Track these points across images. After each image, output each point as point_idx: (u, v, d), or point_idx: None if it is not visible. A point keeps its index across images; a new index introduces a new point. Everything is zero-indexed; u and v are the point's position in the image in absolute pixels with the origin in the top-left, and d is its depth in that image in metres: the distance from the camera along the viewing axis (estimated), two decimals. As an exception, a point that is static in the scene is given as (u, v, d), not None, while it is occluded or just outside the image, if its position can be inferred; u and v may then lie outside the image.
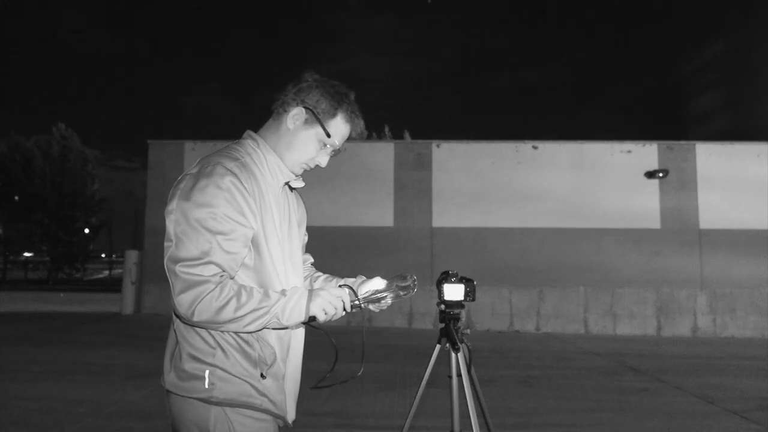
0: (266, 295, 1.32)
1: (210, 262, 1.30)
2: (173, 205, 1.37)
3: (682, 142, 12.46)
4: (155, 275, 12.26)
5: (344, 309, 1.41)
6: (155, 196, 12.62)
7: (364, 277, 1.64)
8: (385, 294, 1.51)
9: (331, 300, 1.38)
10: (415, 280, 1.57)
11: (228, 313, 1.28)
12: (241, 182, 1.35)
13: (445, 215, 12.24)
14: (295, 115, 1.45)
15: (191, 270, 1.30)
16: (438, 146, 12.51)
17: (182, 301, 1.29)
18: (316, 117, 1.45)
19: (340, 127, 1.48)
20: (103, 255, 52.38)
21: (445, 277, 2.90)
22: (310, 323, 1.40)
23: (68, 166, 35.92)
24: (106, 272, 48.47)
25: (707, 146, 12.42)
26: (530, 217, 12.15)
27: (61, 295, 21.52)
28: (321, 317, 1.37)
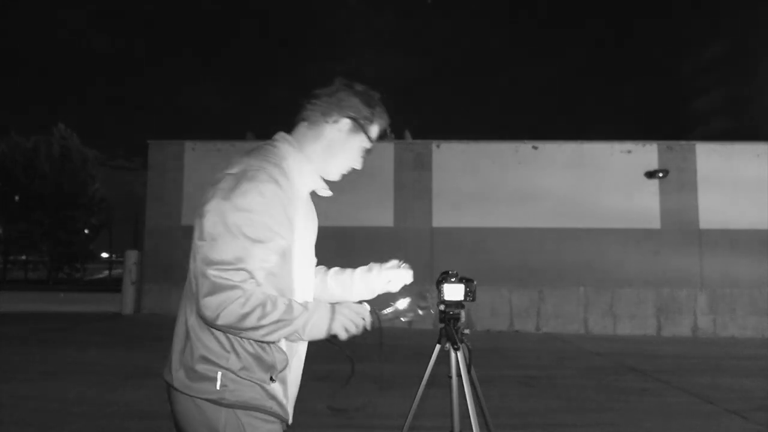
0: (290, 307, 1.32)
1: (242, 269, 1.28)
2: (211, 205, 1.33)
3: (682, 142, 12.46)
4: (155, 275, 12.26)
5: (365, 327, 1.42)
6: (155, 196, 12.61)
7: (374, 265, 1.68)
8: (405, 313, 1.54)
9: (353, 318, 1.39)
10: (433, 299, 1.62)
11: (251, 320, 1.27)
12: (283, 191, 1.35)
13: (445, 215, 12.23)
14: (340, 125, 1.48)
15: (222, 274, 1.27)
16: (438, 146, 12.51)
17: (208, 303, 1.26)
18: (361, 126, 1.49)
19: (376, 130, 1.54)
20: (103, 255, 52.38)
21: (445, 277, 2.90)
22: (330, 341, 1.39)
23: (69, 167, 35.93)
24: (106, 272, 48.50)
25: (707, 146, 12.42)
26: (530, 217, 12.14)
27: (61, 295, 21.52)
28: (342, 335, 1.37)
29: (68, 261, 37.81)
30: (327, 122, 1.47)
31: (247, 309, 1.26)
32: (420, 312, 1.56)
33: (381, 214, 12.24)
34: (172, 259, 12.28)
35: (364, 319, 1.41)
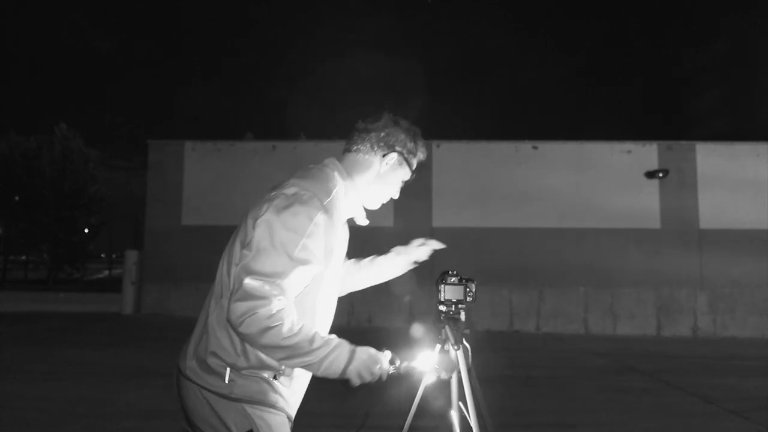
0: (313, 337, 1.34)
1: (277, 284, 1.32)
2: (263, 219, 1.38)
3: (682, 142, 12.46)
4: (155, 275, 12.26)
5: (380, 377, 1.43)
6: (155, 196, 12.61)
7: (376, 257, 1.84)
8: (423, 372, 1.58)
9: (370, 365, 1.39)
10: (454, 366, 1.72)
11: (272, 337, 1.29)
12: (330, 220, 1.43)
13: (445, 215, 12.23)
14: (388, 159, 1.58)
15: (256, 283, 1.31)
16: (438, 146, 12.51)
17: (236, 308, 1.30)
18: (405, 159, 1.62)
19: (416, 163, 1.68)
20: (102, 255, 52.38)
21: (445, 277, 2.90)
22: (342, 383, 1.39)
23: (70, 167, 35.92)
24: (106, 272, 48.49)
25: (707, 146, 12.42)
26: (530, 217, 12.14)
27: (61, 295, 21.53)
28: (355, 382, 1.38)
29: (68, 261, 37.80)
30: (377, 155, 1.58)
31: (270, 323, 1.28)
32: (439, 376, 1.65)
33: (381, 214, 12.15)
34: (172, 259, 12.29)
35: (381, 367, 1.42)
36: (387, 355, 1.45)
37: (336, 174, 1.54)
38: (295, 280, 1.35)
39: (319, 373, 1.36)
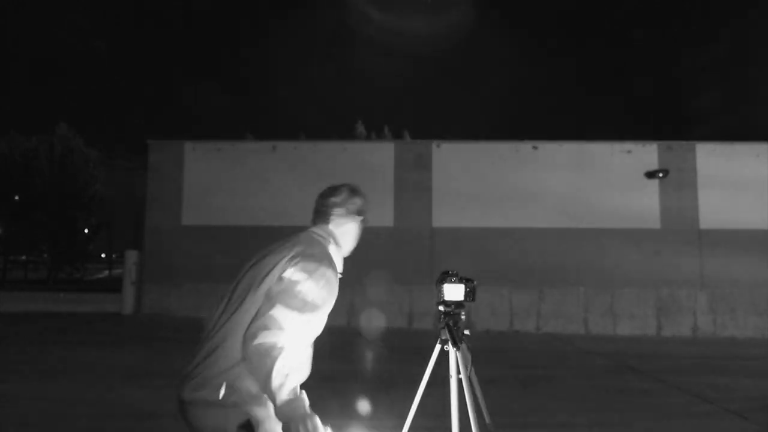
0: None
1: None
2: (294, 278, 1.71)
3: (682, 142, 12.46)
4: (155, 275, 12.26)
5: None
6: (155, 196, 12.61)
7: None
8: None
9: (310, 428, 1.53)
10: None
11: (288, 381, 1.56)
12: (334, 289, 1.77)
13: (445, 215, 12.23)
14: (356, 220, 2.01)
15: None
16: (438, 146, 12.51)
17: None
18: (364, 215, 2.04)
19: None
20: (102, 255, 52.38)
21: (445, 277, 2.90)
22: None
23: (70, 167, 35.91)
24: (106, 272, 48.50)
25: (707, 146, 12.42)
26: (530, 217, 12.14)
27: (61, 295, 21.53)
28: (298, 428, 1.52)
29: (68, 261, 37.80)
30: (348, 221, 1.99)
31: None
32: None
33: (381, 214, 12.24)
34: (172, 259, 12.29)
35: None
36: (327, 430, 1.64)
37: (332, 245, 1.93)
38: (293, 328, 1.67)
39: (280, 410, 1.54)
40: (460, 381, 2.75)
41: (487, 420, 2.96)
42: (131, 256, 12.95)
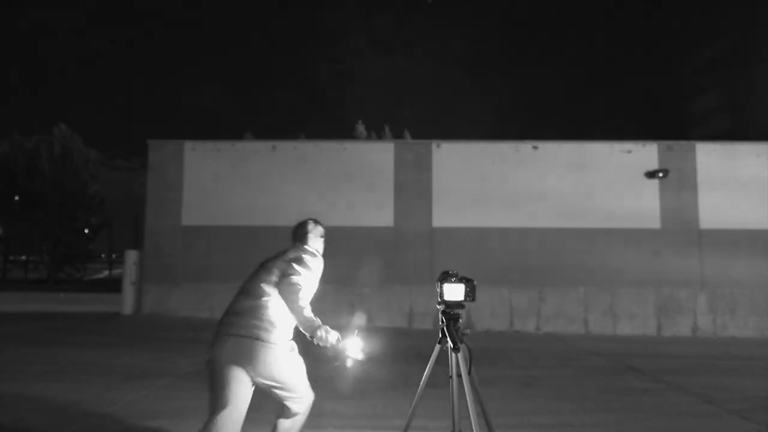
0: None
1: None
2: (296, 265, 2.93)
3: (682, 142, 12.46)
4: (155, 275, 12.26)
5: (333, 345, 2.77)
6: (155, 196, 12.60)
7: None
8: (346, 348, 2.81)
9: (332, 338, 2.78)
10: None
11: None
12: (319, 266, 3.03)
13: (445, 215, 12.24)
14: (322, 237, 3.24)
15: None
16: (438, 146, 12.51)
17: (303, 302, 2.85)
18: (323, 232, 3.25)
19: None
20: (102, 255, 52.37)
21: (445, 277, 2.90)
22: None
23: (70, 167, 35.91)
24: (106, 272, 48.50)
25: (707, 146, 12.42)
26: (530, 217, 12.15)
27: (61, 295, 21.53)
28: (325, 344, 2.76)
29: (68, 261, 37.79)
30: (316, 238, 3.16)
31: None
32: (351, 358, 2.81)
33: (381, 214, 12.24)
34: (171, 259, 12.29)
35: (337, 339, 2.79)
36: (335, 334, 2.76)
37: (315, 256, 3.03)
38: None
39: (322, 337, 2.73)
40: (460, 381, 2.75)
41: (488, 420, 2.96)
42: (131, 256, 12.95)
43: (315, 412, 4.55)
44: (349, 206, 12.21)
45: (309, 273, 2.85)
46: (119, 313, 12.73)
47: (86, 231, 38.24)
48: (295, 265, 2.82)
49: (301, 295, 2.73)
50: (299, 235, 3.12)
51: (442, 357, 2.88)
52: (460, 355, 2.79)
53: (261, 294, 2.77)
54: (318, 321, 2.71)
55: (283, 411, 2.82)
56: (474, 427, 2.66)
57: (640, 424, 4.57)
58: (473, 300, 2.89)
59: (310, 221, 3.16)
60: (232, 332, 2.69)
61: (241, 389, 2.67)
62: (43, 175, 35.15)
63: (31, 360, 6.78)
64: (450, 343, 2.81)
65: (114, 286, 26.34)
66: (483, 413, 2.92)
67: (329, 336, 2.69)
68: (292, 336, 2.87)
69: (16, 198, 35.00)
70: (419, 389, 2.97)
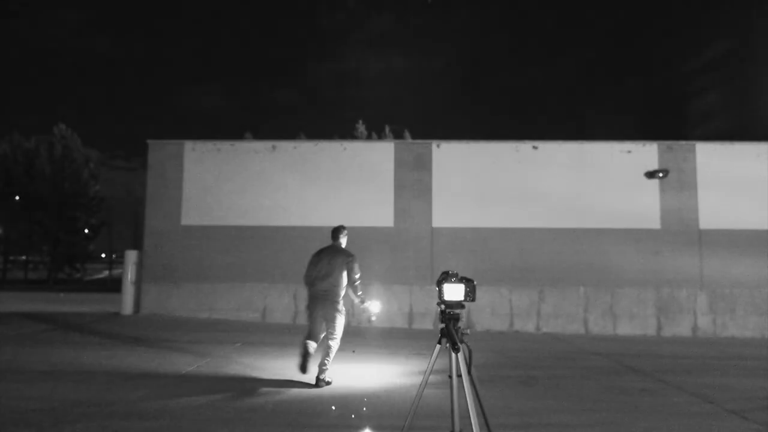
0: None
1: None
2: (351, 260, 5.89)
3: (682, 142, 12.46)
4: (155, 275, 12.26)
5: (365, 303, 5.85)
6: (155, 196, 12.60)
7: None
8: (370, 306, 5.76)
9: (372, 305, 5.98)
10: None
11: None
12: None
13: (445, 215, 12.23)
14: (346, 237, 6.19)
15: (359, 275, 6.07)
16: (438, 146, 12.51)
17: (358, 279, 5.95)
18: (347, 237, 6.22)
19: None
20: (103, 255, 52.35)
21: (445, 277, 2.91)
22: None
23: (70, 167, 35.92)
24: (106, 272, 48.48)
25: (707, 146, 12.42)
26: (530, 217, 12.15)
27: (61, 295, 21.52)
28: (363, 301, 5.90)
29: (68, 261, 37.79)
30: (345, 238, 6.14)
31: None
32: (372, 315, 5.81)
33: (381, 214, 12.24)
34: (171, 259, 12.29)
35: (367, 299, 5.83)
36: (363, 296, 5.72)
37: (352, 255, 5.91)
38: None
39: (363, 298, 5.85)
40: (460, 381, 2.75)
41: (488, 420, 2.96)
42: (131, 256, 12.94)
43: (315, 412, 4.58)
44: (349, 206, 12.20)
45: (357, 264, 5.81)
46: (119, 313, 12.72)
47: (86, 231, 38.25)
48: (352, 261, 5.75)
49: (359, 276, 5.76)
50: (336, 235, 6.01)
51: (442, 357, 2.88)
52: (460, 355, 2.79)
53: (338, 278, 5.70)
54: (364, 295, 5.85)
55: (325, 342, 5.67)
56: (474, 427, 2.66)
57: (639, 424, 4.57)
58: (473, 300, 2.89)
59: (343, 228, 6.10)
60: (321, 298, 5.70)
61: (322, 324, 5.72)
62: (43, 175, 35.17)
63: (31, 360, 6.78)
64: (450, 343, 2.81)
65: (114, 286, 26.34)
66: (482, 413, 2.91)
67: (366, 298, 5.82)
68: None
69: (16, 198, 34.99)
70: (419, 389, 2.97)
